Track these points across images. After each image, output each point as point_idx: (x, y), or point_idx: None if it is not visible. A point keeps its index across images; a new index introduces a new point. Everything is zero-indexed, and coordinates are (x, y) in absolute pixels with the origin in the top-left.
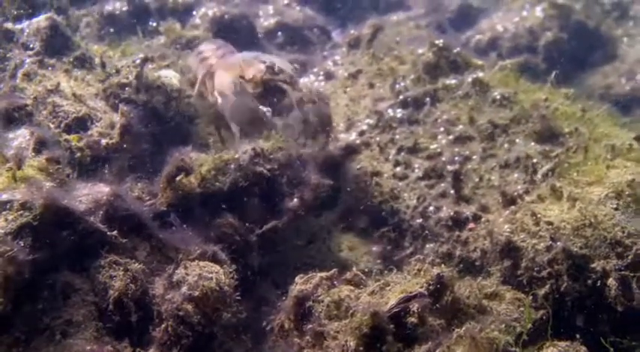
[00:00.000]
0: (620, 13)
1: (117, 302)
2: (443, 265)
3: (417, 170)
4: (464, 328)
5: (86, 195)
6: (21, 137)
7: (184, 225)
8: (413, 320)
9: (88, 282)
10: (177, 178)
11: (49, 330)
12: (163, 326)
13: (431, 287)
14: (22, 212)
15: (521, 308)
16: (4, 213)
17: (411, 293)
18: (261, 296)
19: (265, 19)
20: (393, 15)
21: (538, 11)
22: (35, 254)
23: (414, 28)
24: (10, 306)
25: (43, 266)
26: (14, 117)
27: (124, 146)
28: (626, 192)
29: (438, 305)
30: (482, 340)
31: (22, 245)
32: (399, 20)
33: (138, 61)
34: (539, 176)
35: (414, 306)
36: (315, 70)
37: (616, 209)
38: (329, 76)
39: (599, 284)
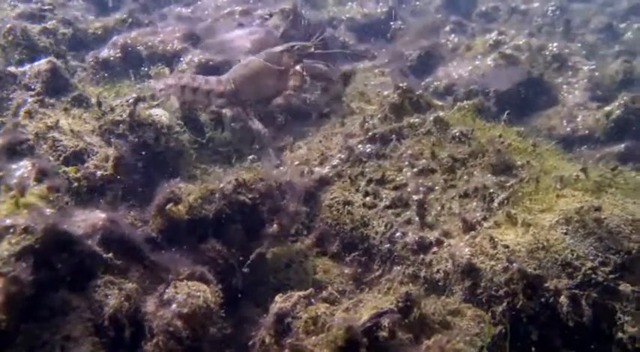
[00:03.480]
0: (560, 63)
1: (112, 318)
2: (410, 285)
3: (384, 199)
4: (432, 340)
5: (84, 221)
6: (23, 168)
7: (173, 249)
8: (384, 334)
9: (85, 300)
10: (167, 206)
11: (48, 345)
12: (154, 340)
13: (400, 304)
14: (24, 235)
15: (482, 324)
16: (7, 236)
17: (382, 309)
18: (244, 314)
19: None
20: (360, 63)
21: (489, 61)
22: (36, 274)
23: (380, 74)
24: (13, 323)
25: (44, 286)
26: (17, 151)
27: (118, 177)
28: (575, 219)
29: (406, 320)
30: (450, 351)
31: (24, 266)
32: (366, 67)
33: (131, 101)
34: (495, 204)
35: (385, 321)
36: None
37: (566, 234)
38: None
39: (551, 301)
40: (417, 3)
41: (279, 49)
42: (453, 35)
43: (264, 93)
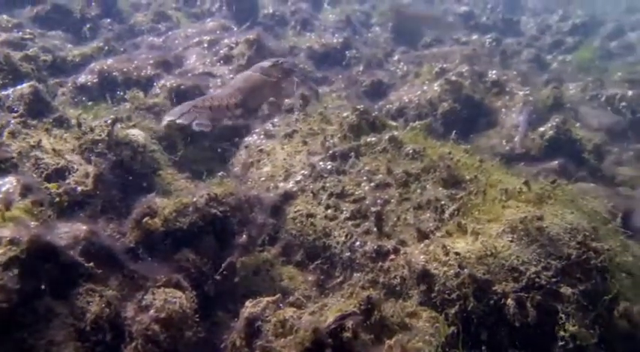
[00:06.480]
0: (499, 89)
1: (93, 323)
2: (371, 289)
3: (344, 212)
4: (394, 339)
5: (66, 233)
6: (8, 183)
7: (151, 258)
8: (348, 335)
9: (68, 307)
10: (144, 219)
11: (34, 350)
12: (134, 344)
13: (362, 307)
14: (10, 247)
15: (436, 325)
16: None
17: (346, 312)
18: (216, 318)
19: (214, 89)
20: (319, 88)
21: (436, 86)
22: (22, 283)
23: (337, 98)
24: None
25: (29, 294)
26: (1, 168)
27: (97, 192)
28: (519, 227)
29: (368, 322)
30: (411, 349)
31: (11, 275)
32: (324, 92)
33: (109, 122)
34: (447, 215)
35: (349, 323)
36: (257, 130)
37: (511, 241)
38: (269, 136)
39: (499, 304)
40: (369, 35)
41: (267, 63)
42: (402, 63)
43: (262, 101)
